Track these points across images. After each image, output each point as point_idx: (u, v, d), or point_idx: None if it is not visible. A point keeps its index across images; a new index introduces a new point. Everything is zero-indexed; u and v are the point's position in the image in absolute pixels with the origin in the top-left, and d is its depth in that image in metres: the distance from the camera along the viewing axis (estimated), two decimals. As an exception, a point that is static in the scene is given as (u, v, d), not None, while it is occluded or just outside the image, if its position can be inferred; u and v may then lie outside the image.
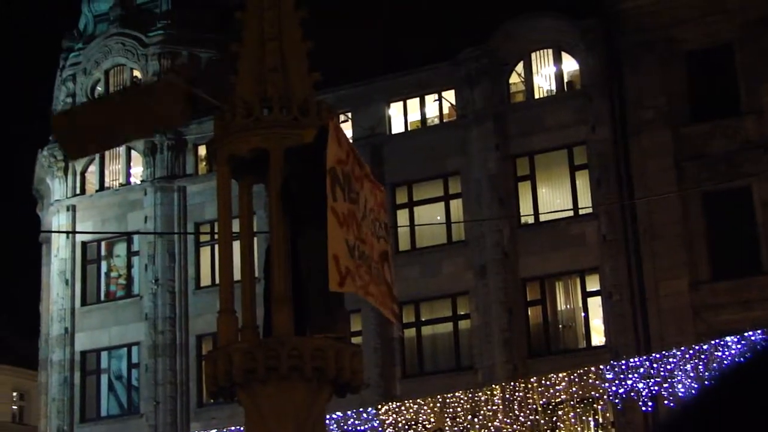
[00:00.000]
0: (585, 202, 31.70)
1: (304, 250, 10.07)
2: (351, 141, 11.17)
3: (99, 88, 39.34)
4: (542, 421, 28.47)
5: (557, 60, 33.19)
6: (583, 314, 31.48)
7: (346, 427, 29.27)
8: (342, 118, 32.56)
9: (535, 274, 31.64)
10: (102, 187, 38.24)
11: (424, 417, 29.32)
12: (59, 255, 37.70)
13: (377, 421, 29.40)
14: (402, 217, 33.75)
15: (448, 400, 29.13)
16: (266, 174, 10.59)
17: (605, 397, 27.65)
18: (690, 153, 30.25)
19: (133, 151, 38.10)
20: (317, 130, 10.33)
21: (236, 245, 10.70)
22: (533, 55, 33.35)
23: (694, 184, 29.89)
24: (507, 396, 28.57)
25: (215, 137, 10.93)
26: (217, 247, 12.35)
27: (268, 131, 10.54)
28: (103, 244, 37.97)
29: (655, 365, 26.51)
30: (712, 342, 26.02)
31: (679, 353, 26.29)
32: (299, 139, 10.47)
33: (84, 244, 37.75)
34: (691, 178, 30.05)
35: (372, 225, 10.45)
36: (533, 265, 31.54)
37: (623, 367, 27.03)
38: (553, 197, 32.55)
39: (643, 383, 26.56)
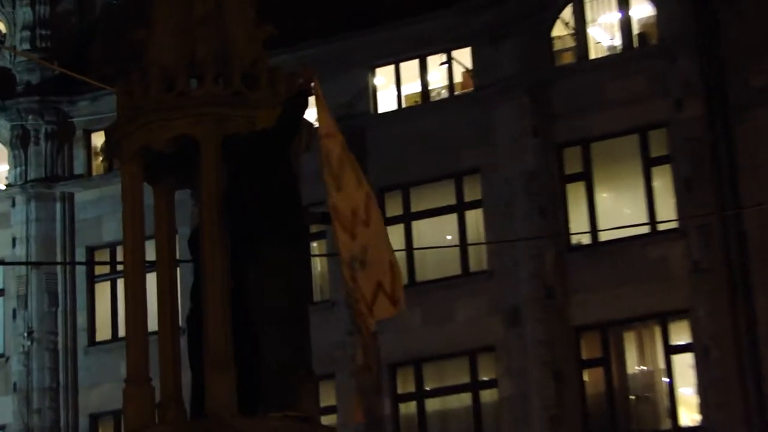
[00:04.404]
0: (667, 213, 31.75)
1: (258, 284, 10.11)
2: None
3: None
4: None
5: (623, 3, 33.28)
6: (666, 380, 31.53)
7: None
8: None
9: (593, 321, 31.68)
10: (-51, 195, 38.16)
11: None
12: None
13: None
14: (395, 235, 33.62)
15: None
16: (194, 175, 10.61)
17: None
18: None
19: (-6, 142, 38.02)
20: (283, 103, 10.41)
21: (151, 279, 10.71)
22: (588, -6, 33.52)
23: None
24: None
25: (118, 121, 10.94)
26: (121, 282, 12.35)
27: (197, 111, 10.56)
28: (-50, 280, 37.88)
29: (773, 454, 26.63)
30: None
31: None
32: (247, 122, 10.48)
33: None
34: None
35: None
36: (591, 308, 31.58)
37: (726, 457, 27.14)
38: (619, 206, 32.62)
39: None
